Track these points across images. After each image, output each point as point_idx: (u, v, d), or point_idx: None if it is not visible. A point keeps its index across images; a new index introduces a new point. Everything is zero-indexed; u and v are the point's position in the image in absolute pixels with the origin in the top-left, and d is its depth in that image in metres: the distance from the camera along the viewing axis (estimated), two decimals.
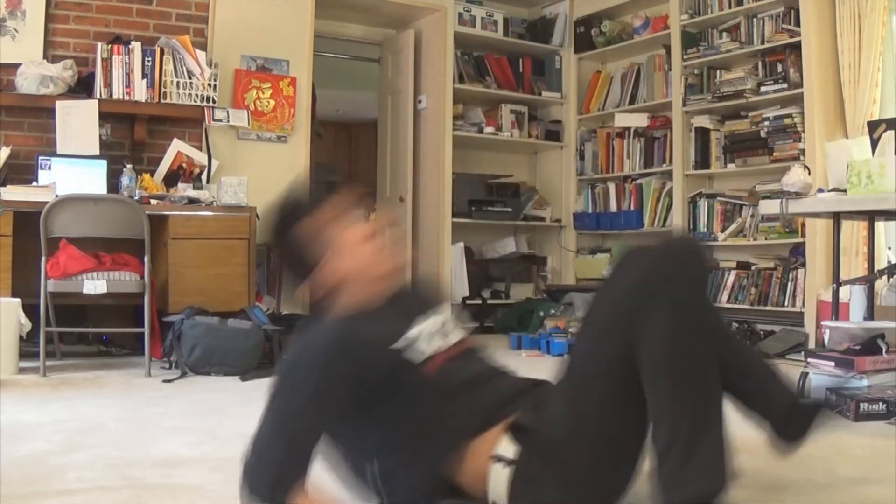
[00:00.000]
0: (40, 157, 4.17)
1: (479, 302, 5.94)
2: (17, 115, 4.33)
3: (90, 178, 4.21)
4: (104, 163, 4.29)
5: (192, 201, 4.25)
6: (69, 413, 2.77)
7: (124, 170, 4.29)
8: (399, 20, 6.05)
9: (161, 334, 4.00)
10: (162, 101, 4.53)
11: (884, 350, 2.98)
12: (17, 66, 4.25)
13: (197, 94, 4.64)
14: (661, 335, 1.41)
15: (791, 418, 1.73)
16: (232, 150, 4.96)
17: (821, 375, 3.06)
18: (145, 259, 3.77)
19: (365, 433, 1.54)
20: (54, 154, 4.22)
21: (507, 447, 1.49)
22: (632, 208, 5.89)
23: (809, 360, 3.17)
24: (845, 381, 2.92)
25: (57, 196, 3.74)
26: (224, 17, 4.95)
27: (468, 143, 6.18)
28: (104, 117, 4.39)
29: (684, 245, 1.59)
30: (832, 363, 3.02)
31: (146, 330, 3.75)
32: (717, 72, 5.31)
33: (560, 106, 6.42)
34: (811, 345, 4.32)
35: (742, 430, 2.39)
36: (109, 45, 4.43)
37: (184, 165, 4.72)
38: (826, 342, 3.39)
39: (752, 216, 5.11)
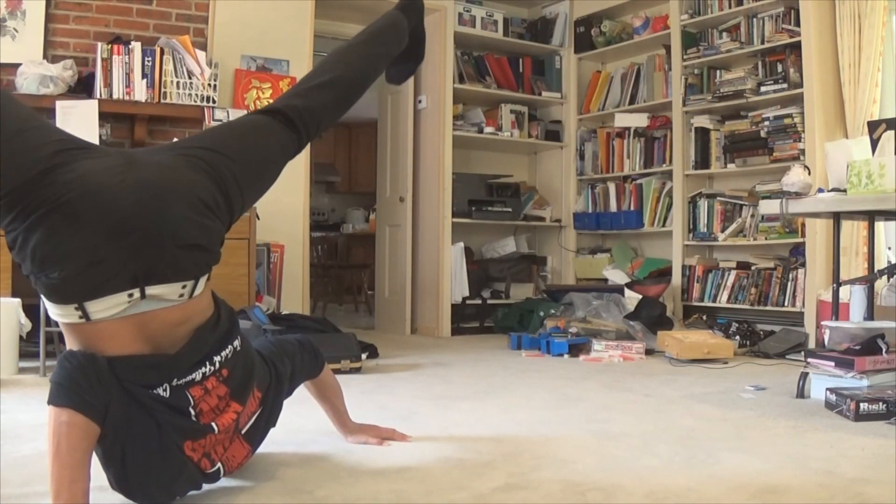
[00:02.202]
0: None
1: (479, 302, 5.94)
2: None
3: None
4: None
5: None
6: None
7: None
8: None
9: None
10: (162, 101, 4.53)
11: (884, 350, 2.98)
12: (17, 66, 4.25)
13: (197, 94, 4.65)
14: None
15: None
16: None
17: (821, 375, 3.07)
18: None
19: None
20: None
21: None
22: (632, 208, 5.90)
23: (809, 360, 3.17)
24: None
25: None
26: (224, 17, 4.95)
27: (468, 143, 6.18)
28: (104, 117, 4.39)
29: None
30: (832, 363, 3.02)
31: None
32: (717, 72, 5.31)
33: (560, 106, 6.42)
34: (811, 345, 4.32)
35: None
36: (109, 45, 4.43)
37: None
38: (826, 342, 3.40)
39: (752, 216, 5.11)
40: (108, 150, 1.74)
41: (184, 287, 1.64)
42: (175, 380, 1.64)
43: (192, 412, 1.67)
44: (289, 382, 2.05)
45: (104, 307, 1.57)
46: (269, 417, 1.94)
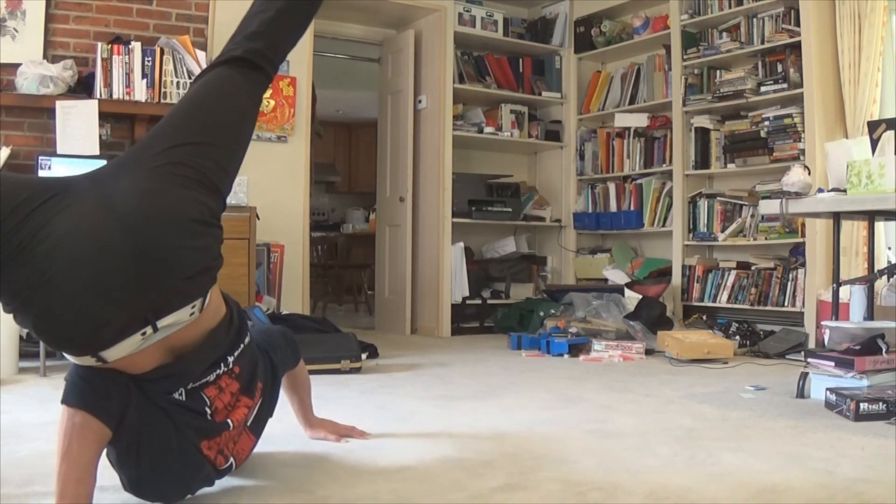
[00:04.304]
0: (40, 158, 4.17)
1: (479, 302, 5.94)
2: (17, 115, 4.33)
3: None
4: (104, 163, 4.28)
5: None
6: None
7: None
8: (399, 20, 6.05)
9: None
10: (162, 101, 4.52)
11: (884, 350, 2.99)
12: (17, 66, 4.24)
13: None
14: None
15: None
16: None
17: (821, 375, 3.07)
18: None
19: None
20: (54, 154, 4.22)
21: None
22: (632, 208, 5.90)
23: (809, 360, 3.17)
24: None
25: None
26: (224, 17, 4.94)
27: (468, 143, 6.18)
28: (104, 117, 4.39)
29: None
30: (832, 363, 3.02)
31: None
32: (717, 72, 5.31)
33: (560, 106, 6.42)
34: (811, 345, 4.32)
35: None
36: (109, 45, 4.42)
37: None
38: (826, 342, 3.40)
39: (752, 216, 5.11)
40: (78, 187, 1.55)
41: (193, 307, 1.58)
42: (190, 383, 1.65)
43: (208, 411, 1.67)
44: (280, 373, 2.06)
45: (119, 350, 1.52)
46: (268, 407, 1.95)
